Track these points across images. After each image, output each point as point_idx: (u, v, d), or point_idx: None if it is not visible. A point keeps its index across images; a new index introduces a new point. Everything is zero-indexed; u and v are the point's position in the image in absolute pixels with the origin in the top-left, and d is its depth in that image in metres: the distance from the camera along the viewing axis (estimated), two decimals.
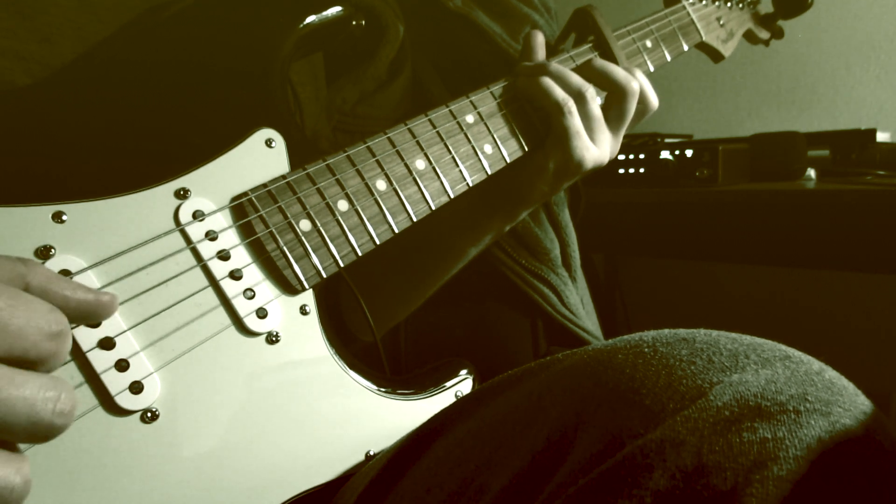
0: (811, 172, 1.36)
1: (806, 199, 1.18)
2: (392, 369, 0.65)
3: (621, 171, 1.40)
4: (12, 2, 0.52)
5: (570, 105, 0.67)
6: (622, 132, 0.73)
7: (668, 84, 1.93)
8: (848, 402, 0.38)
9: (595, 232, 1.35)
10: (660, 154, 1.35)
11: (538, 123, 0.70)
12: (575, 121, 0.67)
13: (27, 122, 0.52)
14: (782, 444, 0.35)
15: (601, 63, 0.72)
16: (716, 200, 1.26)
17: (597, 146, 0.70)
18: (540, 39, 0.74)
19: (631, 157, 1.39)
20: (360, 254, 0.55)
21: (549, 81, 0.68)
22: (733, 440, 0.35)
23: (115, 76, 0.55)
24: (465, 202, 0.75)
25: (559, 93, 0.67)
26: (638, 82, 0.72)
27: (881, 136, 1.37)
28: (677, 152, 1.32)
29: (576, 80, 0.69)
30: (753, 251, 1.25)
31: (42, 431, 0.34)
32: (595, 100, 0.69)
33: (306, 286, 0.53)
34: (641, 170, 1.38)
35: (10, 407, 0.32)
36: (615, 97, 0.72)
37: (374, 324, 0.65)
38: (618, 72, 0.71)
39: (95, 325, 0.43)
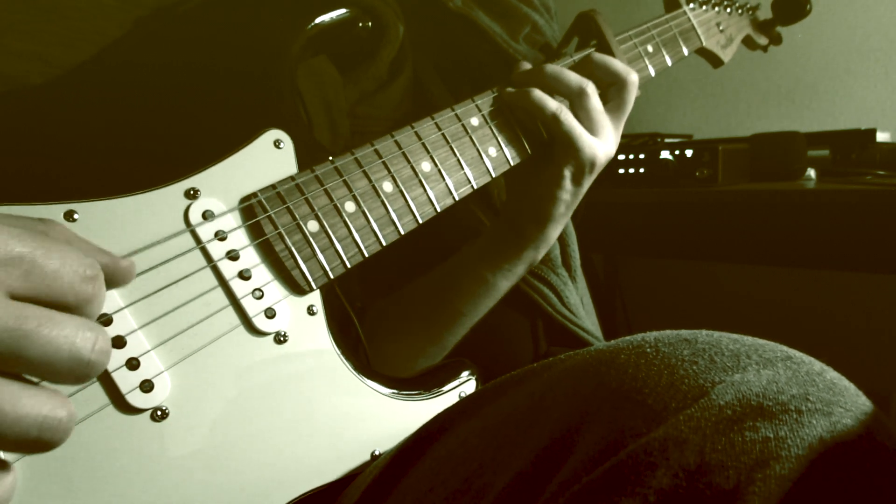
0: (811, 172, 1.37)
1: (806, 199, 1.18)
2: None
3: (621, 171, 1.40)
4: (37, 6, 0.52)
5: (565, 114, 0.68)
6: (622, 123, 0.74)
7: (668, 84, 1.94)
8: (849, 403, 0.38)
9: (595, 232, 1.35)
10: (660, 154, 1.35)
11: (541, 126, 0.71)
12: (575, 124, 0.68)
13: (39, 121, 0.52)
14: (784, 443, 0.35)
15: (600, 56, 0.74)
16: (716, 200, 1.26)
17: (602, 140, 0.71)
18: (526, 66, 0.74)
19: (631, 157, 1.39)
20: (366, 255, 0.56)
21: (538, 95, 0.68)
22: (735, 439, 0.35)
23: (125, 77, 0.55)
24: (491, 232, 0.77)
25: (551, 104, 0.68)
26: (636, 73, 0.74)
27: (881, 136, 1.37)
28: (677, 152, 1.33)
29: (574, 78, 0.70)
30: (753, 251, 1.26)
31: (83, 369, 0.34)
32: (596, 94, 0.70)
33: (314, 286, 0.53)
34: (641, 170, 1.38)
35: (54, 345, 0.33)
36: (616, 88, 0.73)
37: (408, 361, 0.69)
38: (616, 63, 0.73)
39: (107, 322, 0.44)
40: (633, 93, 0.74)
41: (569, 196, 0.72)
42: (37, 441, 0.33)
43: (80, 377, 0.34)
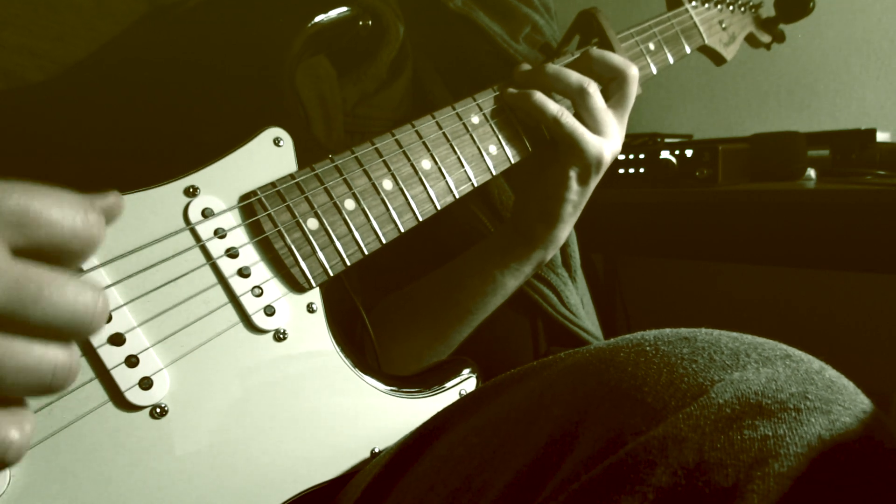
0: (811, 172, 1.37)
1: (806, 199, 1.18)
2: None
3: (621, 171, 1.40)
4: (34, 0, 0.52)
5: (566, 116, 0.68)
6: (626, 118, 0.74)
7: (668, 84, 1.94)
8: (848, 401, 0.38)
9: (595, 232, 1.35)
10: (660, 154, 1.35)
11: (544, 127, 0.70)
12: (577, 126, 0.68)
13: (36, 119, 0.52)
14: (783, 442, 0.35)
15: (599, 51, 0.73)
16: (716, 200, 1.26)
17: (607, 137, 0.71)
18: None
19: (631, 157, 1.39)
20: (366, 252, 0.56)
21: (539, 98, 0.68)
22: (734, 437, 0.35)
23: (125, 75, 0.55)
24: (501, 232, 0.77)
25: (552, 107, 0.68)
26: (636, 66, 0.74)
27: (881, 136, 1.37)
28: (677, 152, 1.33)
29: (575, 77, 0.69)
30: (753, 251, 1.26)
31: (85, 330, 0.34)
32: (598, 92, 0.70)
33: (313, 284, 0.53)
34: (641, 170, 1.38)
35: (57, 309, 0.33)
36: (617, 83, 0.73)
37: (414, 359, 0.69)
38: (615, 58, 0.73)
39: (107, 320, 0.44)
40: (634, 87, 0.73)
41: (576, 196, 0.72)
42: (52, 384, 0.33)
43: (80, 337, 0.35)
